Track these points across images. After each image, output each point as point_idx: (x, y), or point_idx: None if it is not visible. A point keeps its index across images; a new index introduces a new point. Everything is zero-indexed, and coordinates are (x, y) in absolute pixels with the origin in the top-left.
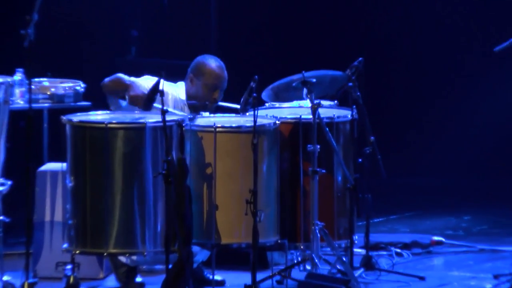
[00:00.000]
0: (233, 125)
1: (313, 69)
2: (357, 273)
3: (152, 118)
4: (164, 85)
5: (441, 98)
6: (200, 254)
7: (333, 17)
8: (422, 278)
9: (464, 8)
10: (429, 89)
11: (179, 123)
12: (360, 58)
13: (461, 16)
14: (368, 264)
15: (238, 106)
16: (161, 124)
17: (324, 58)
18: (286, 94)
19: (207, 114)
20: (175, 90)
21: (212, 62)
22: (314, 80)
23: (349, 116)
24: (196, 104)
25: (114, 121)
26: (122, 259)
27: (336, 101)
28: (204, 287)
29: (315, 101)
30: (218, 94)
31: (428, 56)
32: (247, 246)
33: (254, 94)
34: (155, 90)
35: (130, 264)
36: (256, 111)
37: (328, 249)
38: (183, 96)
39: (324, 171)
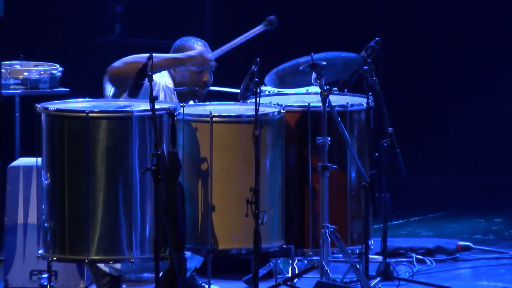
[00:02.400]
0: (232, 114)
1: (323, 51)
2: (373, 282)
3: (139, 106)
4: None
5: (473, 86)
6: (192, 261)
7: None
8: None
9: None
10: (459, 76)
11: (171, 112)
12: (377, 38)
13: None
14: (386, 272)
15: (238, 91)
16: (150, 113)
17: (336, 38)
18: (292, 79)
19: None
20: (161, 78)
21: (194, 42)
22: (324, 63)
23: (364, 104)
24: (185, 90)
25: (96, 110)
26: (104, 268)
27: (345, 89)
28: None
29: (326, 87)
30: (207, 77)
31: (457, 39)
32: (248, 252)
33: (256, 79)
34: (142, 74)
35: (114, 274)
36: (258, 99)
37: (340, 255)
38: (171, 83)
39: (335, 167)
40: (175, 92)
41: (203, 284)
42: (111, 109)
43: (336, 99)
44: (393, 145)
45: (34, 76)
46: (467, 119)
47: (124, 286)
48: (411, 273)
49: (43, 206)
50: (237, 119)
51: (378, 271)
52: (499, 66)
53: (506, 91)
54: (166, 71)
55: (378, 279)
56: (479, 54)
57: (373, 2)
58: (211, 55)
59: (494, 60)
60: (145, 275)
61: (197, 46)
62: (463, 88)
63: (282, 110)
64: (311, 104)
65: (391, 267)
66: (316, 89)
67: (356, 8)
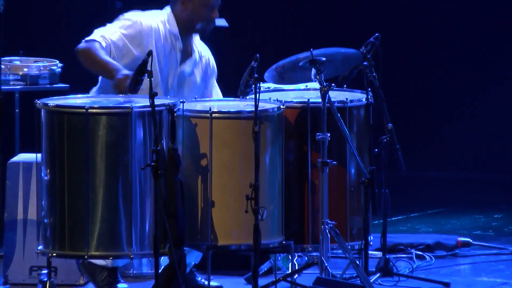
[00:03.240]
0: (232, 110)
1: (323, 47)
2: (372, 278)
3: (139, 102)
4: (144, 17)
5: (471, 82)
6: (191, 256)
7: None
8: (446, 285)
9: None
10: (458, 73)
11: (170, 108)
12: (377, 34)
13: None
14: (385, 268)
15: (226, 24)
16: (149, 109)
17: (335, 33)
18: (292, 75)
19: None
20: (162, 24)
21: None
22: (324, 59)
23: (364, 100)
24: (199, 28)
25: (95, 106)
26: (100, 262)
27: (345, 85)
28: None
29: (325, 83)
30: (216, 12)
31: (456, 35)
32: (248, 248)
33: (256, 75)
34: (142, 70)
35: (110, 265)
36: (257, 94)
37: (340, 251)
38: (173, 27)
39: (335, 162)
40: (179, 38)
41: (202, 280)
42: (111, 105)
43: (336, 95)
44: (392, 141)
45: (34, 72)
46: (466, 114)
47: (122, 281)
48: (411, 269)
49: (43, 202)
50: (237, 115)
51: (377, 267)
52: (497, 61)
53: (504, 87)
54: (170, 14)
55: (378, 275)
56: (477, 51)
57: None
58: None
59: (493, 56)
60: (145, 271)
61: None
62: (462, 84)
63: (281, 106)
64: (310, 100)
65: (391, 263)
66: (316, 85)
67: (356, 3)
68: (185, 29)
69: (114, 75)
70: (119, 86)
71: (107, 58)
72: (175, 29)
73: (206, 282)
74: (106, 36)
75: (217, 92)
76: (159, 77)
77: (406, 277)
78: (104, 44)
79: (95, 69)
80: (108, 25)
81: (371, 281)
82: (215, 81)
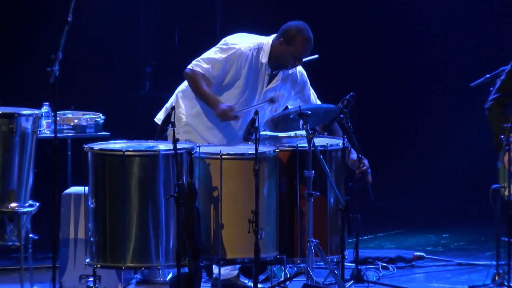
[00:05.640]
0: (237, 152)
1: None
2: (347, 285)
3: (164, 147)
4: (243, 43)
5: (426, 126)
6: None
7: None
8: None
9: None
10: (409, 119)
11: (189, 151)
12: (352, 93)
13: (450, 46)
14: (357, 276)
15: (316, 56)
16: (173, 152)
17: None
18: (284, 125)
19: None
20: (255, 48)
21: (303, 35)
22: (309, 112)
23: (340, 144)
24: (278, 66)
25: (130, 149)
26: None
27: (325, 132)
28: None
29: (310, 131)
30: (299, 62)
31: (410, 82)
32: (250, 261)
33: (256, 125)
34: (168, 121)
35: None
36: (257, 140)
37: (322, 263)
38: (264, 58)
39: (318, 193)
40: (267, 65)
41: (249, 283)
42: (142, 148)
43: (319, 141)
44: (364, 178)
45: (82, 123)
46: (420, 152)
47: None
48: (377, 277)
49: (90, 225)
50: (241, 156)
51: (351, 275)
52: (452, 94)
53: (451, 125)
54: (268, 44)
55: (352, 281)
56: (436, 85)
57: (348, 64)
58: (233, 112)
59: (446, 89)
60: (169, 278)
61: (303, 35)
62: (410, 125)
63: (276, 149)
64: (299, 145)
65: (362, 272)
66: (303, 132)
67: (334, 68)
68: (272, 61)
69: (215, 107)
70: (223, 116)
71: (208, 90)
72: (266, 59)
73: (250, 284)
74: (206, 66)
75: (313, 94)
76: (243, 97)
77: (374, 283)
78: (205, 74)
79: (198, 97)
80: (212, 50)
81: (346, 286)
82: (308, 87)
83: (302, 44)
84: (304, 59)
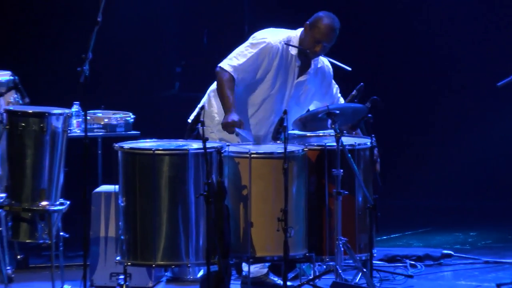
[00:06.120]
0: (266, 151)
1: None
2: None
3: (194, 145)
4: (272, 37)
5: (450, 126)
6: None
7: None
8: (410, 276)
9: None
10: (439, 117)
11: (219, 150)
12: (361, 83)
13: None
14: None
15: (349, 68)
16: (202, 150)
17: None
18: (312, 124)
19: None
20: (284, 41)
21: (327, 20)
22: (338, 111)
23: (368, 143)
24: (302, 50)
25: (160, 148)
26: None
27: (353, 132)
28: None
29: (339, 130)
30: (320, 48)
31: (435, 76)
32: (279, 259)
33: (285, 124)
34: (197, 121)
35: None
36: (286, 139)
37: (351, 261)
38: (293, 49)
39: (346, 192)
40: (297, 57)
41: (278, 281)
42: (172, 147)
43: (347, 140)
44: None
45: (113, 122)
46: (449, 152)
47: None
48: (406, 276)
49: (120, 223)
50: (270, 155)
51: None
52: (478, 89)
53: (483, 120)
54: (297, 36)
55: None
56: (461, 79)
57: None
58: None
59: (472, 84)
60: (199, 276)
61: (324, 21)
62: (446, 125)
63: (305, 148)
64: (327, 144)
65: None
66: (331, 132)
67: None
68: (300, 51)
69: (226, 113)
70: (225, 126)
71: (228, 93)
72: (296, 51)
73: (280, 281)
74: (238, 62)
75: (337, 89)
76: (275, 89)
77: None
78: (233, 74)
79: (218, 96)
80: (242, 47)
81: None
82: (333, 83)
83: (325, 28)
84: (336, 63)
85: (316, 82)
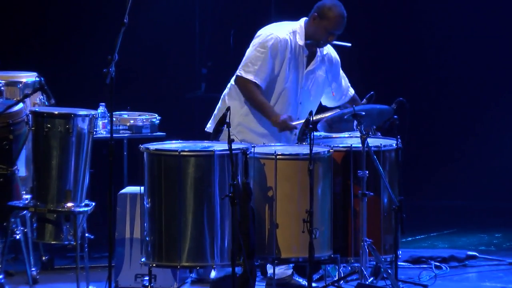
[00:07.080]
0: (292, 153)
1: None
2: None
3: (219, 147)
4: (278, 31)
5: (477, 126)
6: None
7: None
8: (425, 286)
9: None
10: (467, 117)
11: (244, 151)
12: (372, 92)
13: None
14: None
15: (349, 44)
16: (228, 152)
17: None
18: (338, 125)
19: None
20: (292, 36)
21: (336, 10)
22: (364, 113)
23: (394, 145)
24: (312, 43)
25: (186, 150)
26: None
27: (379, 133)
28: None
29: (364, 132)
30: (333, 38)
31: (467, 80)
32: (304, 260)
33: (310, 126)
34: (222, 122)
35: None
36: (312, 141)
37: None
38: (300, 40)
39: (372, 194)
40: (304, 45)
41: (303, 282)
42: (198, 148)
43: (372, 141)
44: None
45: (138, 123)
46: (473, 153)
47: None
48: (432, 276)
49: (145, 224)
50: (296, 157)
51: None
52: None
53: (504, 123)
54: (301, 26)
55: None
56: (494, 79)
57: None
58: (290, 125)
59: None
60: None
61: (335, 11)
62: (464, 122)
63: (330, 150)
64: (353, 145)
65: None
66: (357, 133)
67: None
68: (307, 41)
69: (274, 117)
70: (281, 125)
71: (263, 100)
72: (303, 40)
73: (304, 283)
74: (255, 67)
75: (345, 79)
76: (289, 81)
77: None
78: (256, 81)
79: (253, 106)
80: (252, 49)
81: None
82: (341, 71)
83: (336, 18)
84: (336, 43)
85: (324, 69)
